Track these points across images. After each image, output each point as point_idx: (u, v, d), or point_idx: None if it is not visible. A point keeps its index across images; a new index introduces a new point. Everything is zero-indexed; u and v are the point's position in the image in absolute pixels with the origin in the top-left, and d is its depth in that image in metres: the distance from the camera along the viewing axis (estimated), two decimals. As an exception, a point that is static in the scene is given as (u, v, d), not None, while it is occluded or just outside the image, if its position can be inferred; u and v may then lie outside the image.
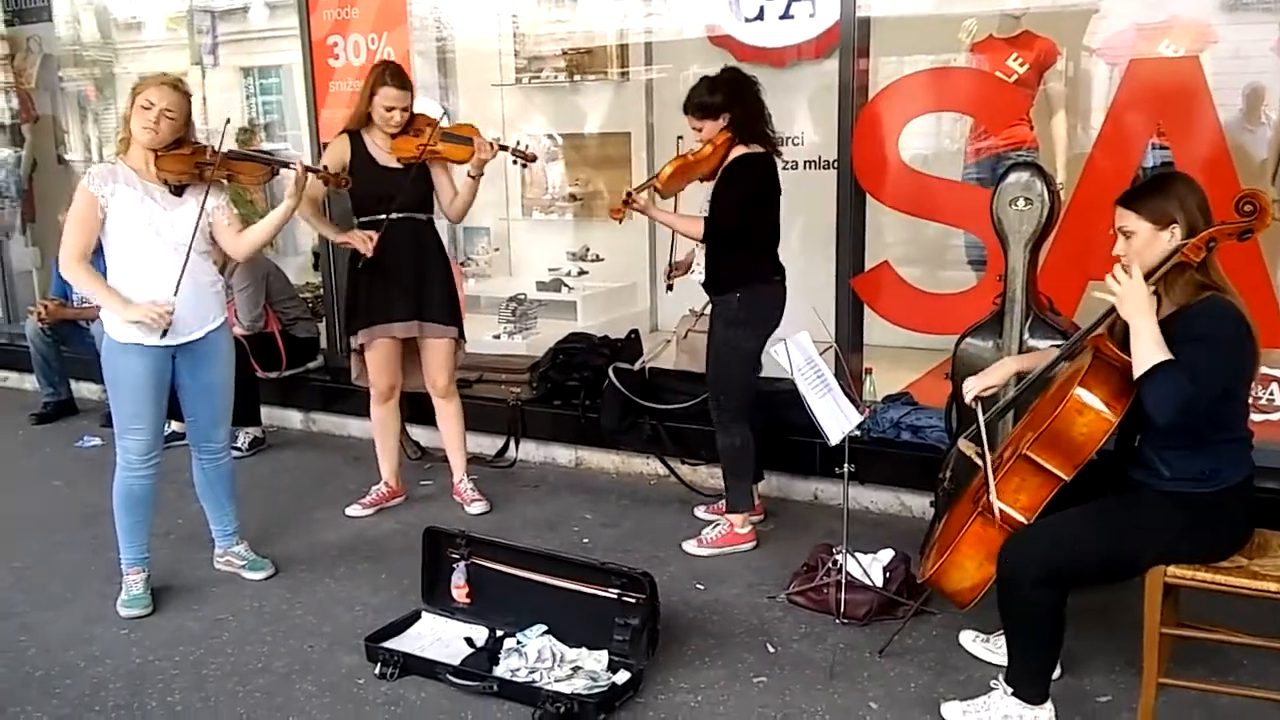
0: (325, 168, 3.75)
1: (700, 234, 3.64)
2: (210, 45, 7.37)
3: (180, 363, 3.43)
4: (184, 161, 3.34)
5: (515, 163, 4.09)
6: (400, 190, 3.96)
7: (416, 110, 4.07)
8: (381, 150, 4.00)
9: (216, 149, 3.36)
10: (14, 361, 6.59)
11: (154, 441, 3.44)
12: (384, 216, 3.97)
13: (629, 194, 3.71)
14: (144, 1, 7.42)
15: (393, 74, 3.98)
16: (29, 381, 6.28)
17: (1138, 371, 2.34)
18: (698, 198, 3.76)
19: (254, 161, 3.57)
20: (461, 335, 4.23)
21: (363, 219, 4.05)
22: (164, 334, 3.28)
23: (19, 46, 7.07)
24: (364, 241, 3.94)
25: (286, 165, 3.57)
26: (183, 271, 3.29)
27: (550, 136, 6.61)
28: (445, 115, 4.33)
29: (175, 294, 3.28)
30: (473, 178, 4.00)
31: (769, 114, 3.68)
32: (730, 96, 3.60)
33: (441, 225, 4.31)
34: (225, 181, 3.47)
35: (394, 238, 4.00)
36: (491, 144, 3.97)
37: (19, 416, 5.94)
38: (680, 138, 3.78)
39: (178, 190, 3.36)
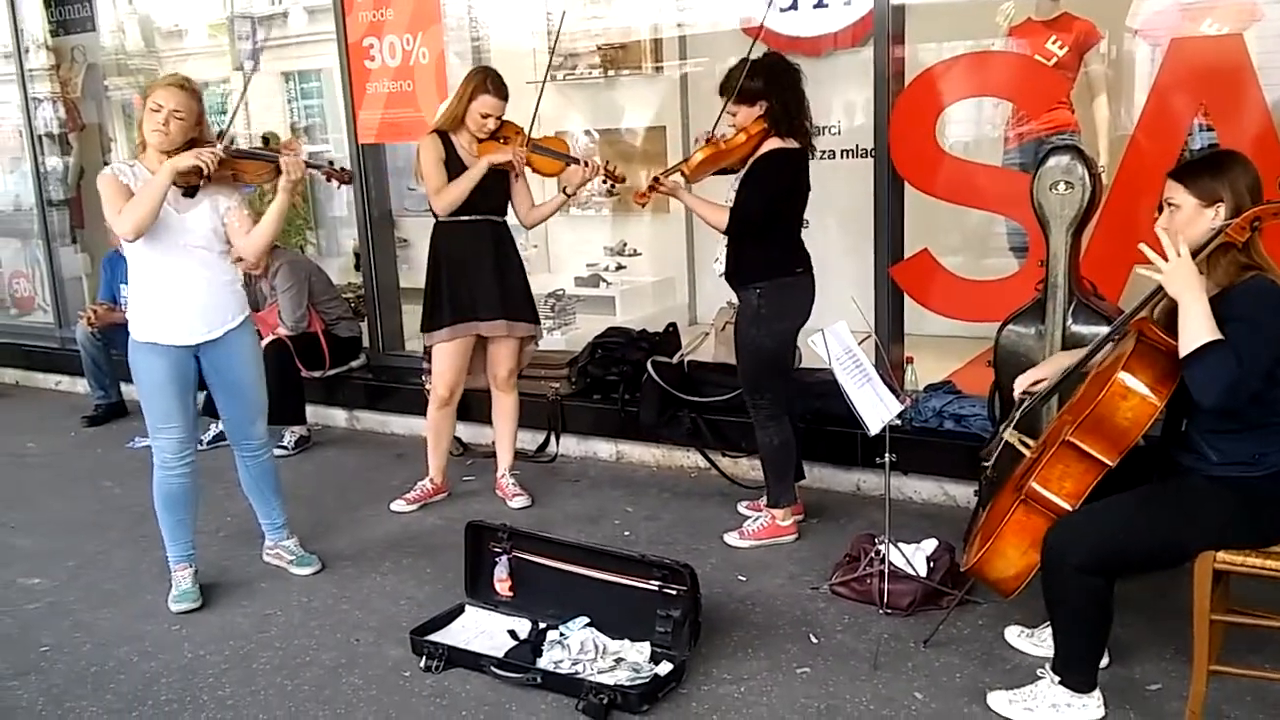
0: (331, 163, 3.80)
1: (723, 225, 3.59)
2: (251, 51, 7.46)
3: (205, 362, 3.49)
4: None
5: (604, 182, 4.15)
6: (483, 194, 4.02)
7: (508, 119, 4.12)
8: (468, 153, 4.05)
9: (224, 150, 3.40)
10: (66, 365, 6.72)
11: (186, 440, 3.49)
12: (467, 218, 4.05)
13: (656, 179, 3.66)
14: (186, 9, 7.53)
15: (494, 81, 4.03)
16: (80, 385, 6.41)
17: (1184, 350, 2.30)
18: (722, 184, 3.74)
19: (257, 160, 3.60)
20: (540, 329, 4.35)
21: (450, 219, 4.08)
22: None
23: (64, 56, 7.20)
24: (519, 161, 4.01)
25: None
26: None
27: (586, 133, 6.62)
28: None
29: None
30: (568, 194, 4.11)
31: (809, 105, 3.61)
32: (770, 84, 3.51)
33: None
34: (233, 180, 3.50)
35: (477, 238, 4.08)
36: (592, 164, 4.04)
37: (71, 419, 6.06)
38: (709, 133, 3.72)
39: (189, 192, 3.39)
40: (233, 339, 3.50)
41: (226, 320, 3.48)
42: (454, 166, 4.02)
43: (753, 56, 3.56)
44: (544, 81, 4.33)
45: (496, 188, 4.07)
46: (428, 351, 4.25)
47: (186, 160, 3.28)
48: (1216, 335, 2.27)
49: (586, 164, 4.05)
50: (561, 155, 4.13)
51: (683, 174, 3.63)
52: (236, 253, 3.57)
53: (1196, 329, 2.29)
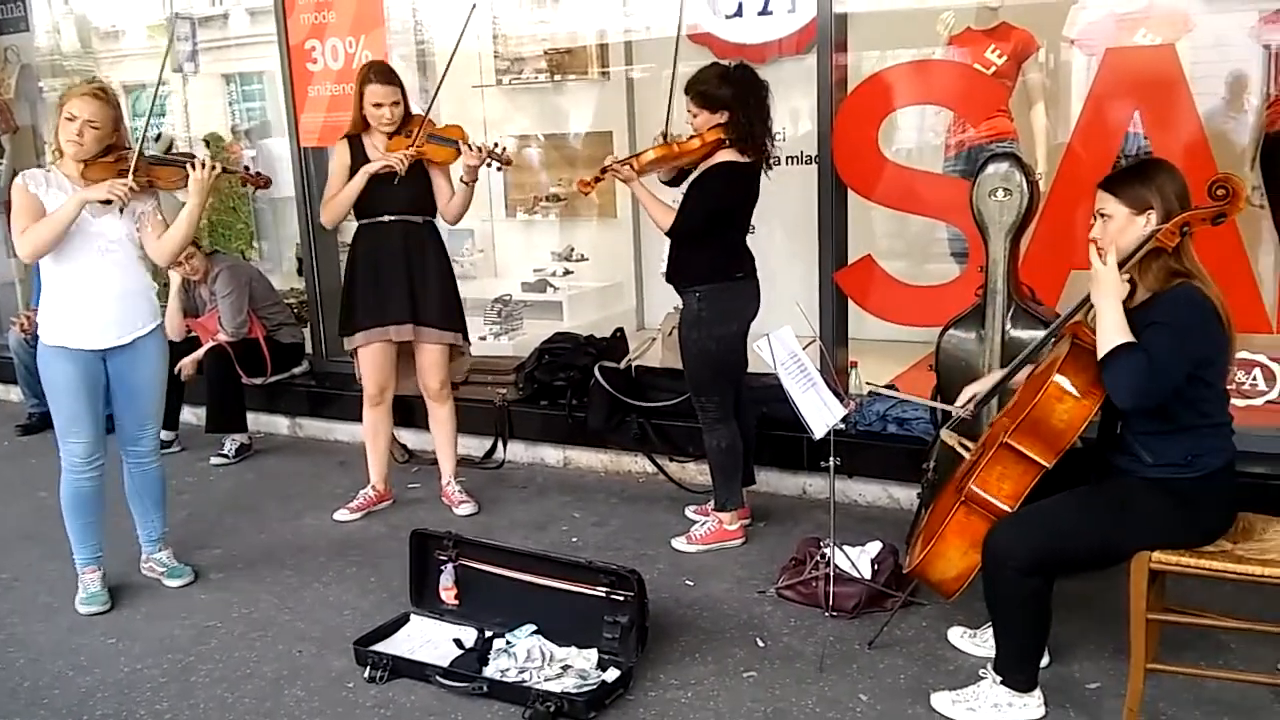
0: (247, 168, 3.74)
1: (666, 226, 3.59)
2: (190, 52, 7.33)
3: (110, 366, 3.44)
4: (109, 170, 3.37)
5: (490, 165, 4.06)
6: (390, 195, 3.96)
7: (417, 113, 4.07)
8: (378, 152, 4.00)
9: (139, 156, 3.37)
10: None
11: (95, 444, 3.45)
12: (382, 218, 3.99)
13: (606, 167, 3.63)
14: (123, 10, 7.38)
15: (377, 71, 4.01)
16: (14, 393, 6.26)
17: (1100, 353, 2.36)
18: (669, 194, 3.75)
19: (171, 166, 3.55)
20: (466, 338, 4.25)
21: (362, 221, 4.06)
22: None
23: (-3, 57, 7.03)
24: (400, 161, 3.91)
25: (201, 166, 3.49)
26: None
27: (533, 137, 6.61)
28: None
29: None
30: (466, 184, 4.01)
31: (772, 121, 3.61)
32: (737, 95, 3.51)
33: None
34: (148, 185, 3.45)
35: (388, 240, 4.01)
36: (479, 150, 3.94)
37: (4, 428, 5.91)
38: (664, 133, 3.73)
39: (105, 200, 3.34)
40: (141, 345, 3.47)
41: (138, 326, 3.45)
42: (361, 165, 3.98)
43: (725, 63, 3.59)
44: (444, 72, 4.24)
45: (409, 187, 3.98)
46: (353, 354, 4.22)
47: (98, 193, 3.27)
48: (1128, 338, 2.33)
49: (479, 151, 3.94)
50: (448, 140, 4.00)
51: (631, 166, 3.62)
52: (151, 257, 3.53)
53: (1109, 332, 2.36)
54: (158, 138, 6.96)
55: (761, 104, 3.57)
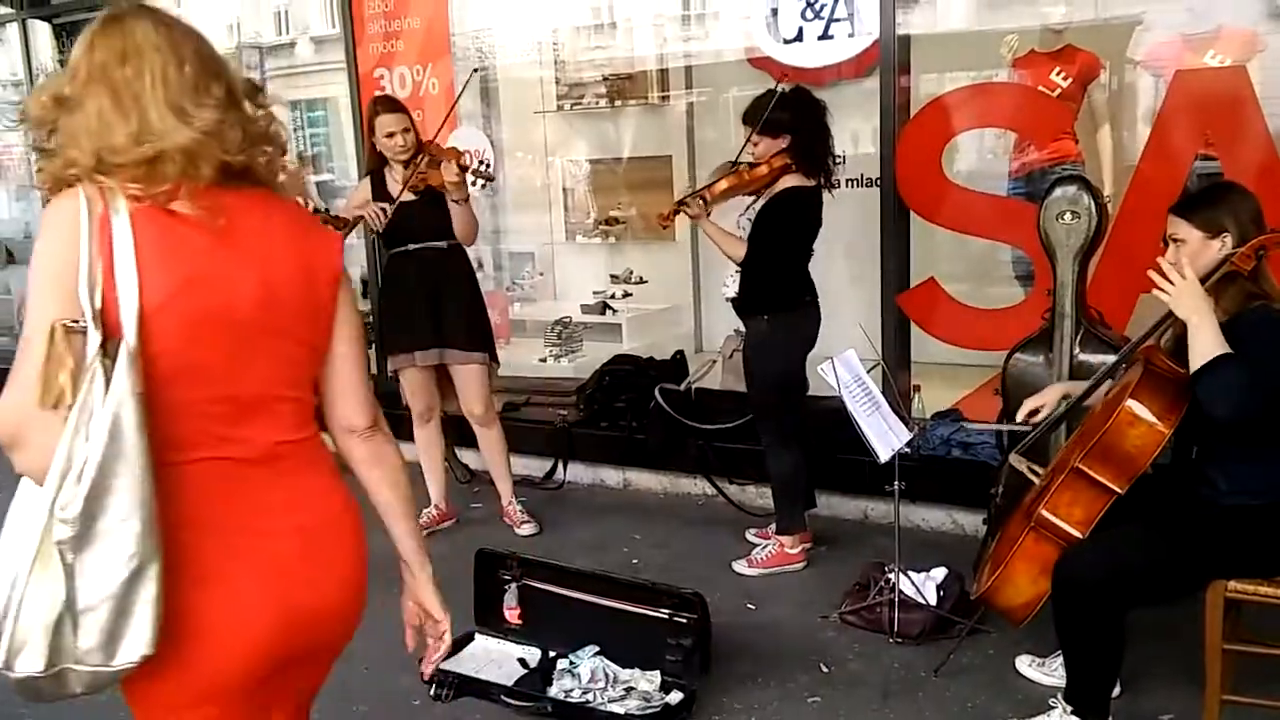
0: (327, 210, 3.81)
1: (740, 256, 3.61)
2: (259, 81, 7.53)
3: None
4: None
5: (474, 184, 4.07)
6: (413, 220, 4.04)
7: (448, 144, 4.16)
8: (397, 185, 4.08)
9: None
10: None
11: None
12: (407, 246, 4.08)
13: (682, 202, 3.68)
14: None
15: (383, 103, 4.12)
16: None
17: (1195, 365, 2.31)
18: (730, 211, 3.77)
19: None
20: (494, 359, 4.28)
21: (392, 250, 4.17)
22: None
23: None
24: (375, 216, 3.97)
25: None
26: None
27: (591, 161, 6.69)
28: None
29: None
30: (455, 202, 4.00)
31: (833, 140, 3.63)
32: (797, 118, 3.53)
33: (486, 251, 4.37)
34: None
35: (412, 267, 4.10)
36: (459, 164, 3.94)
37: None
38: (733, 163, 3.76)
39: None
40: None
41: None
42: (382, 200, 4.05)
43: (781, 88, 3.58)
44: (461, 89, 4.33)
45: (431, 215, 4.04)
46: (393, 377, 4.32)
47: None
48: (1226, 349, 2.29)
49: (457, 168, 3.91)
50: (439, 162, 3.97)
51: (703, 199, 3.66)
52: None
53: (1207, 345, 2.30)
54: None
55: (821, 125, 3.59)
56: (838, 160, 3.74)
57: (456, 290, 4.17)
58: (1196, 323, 2.33)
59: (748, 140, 3.61)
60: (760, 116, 3.55)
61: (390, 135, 4.01)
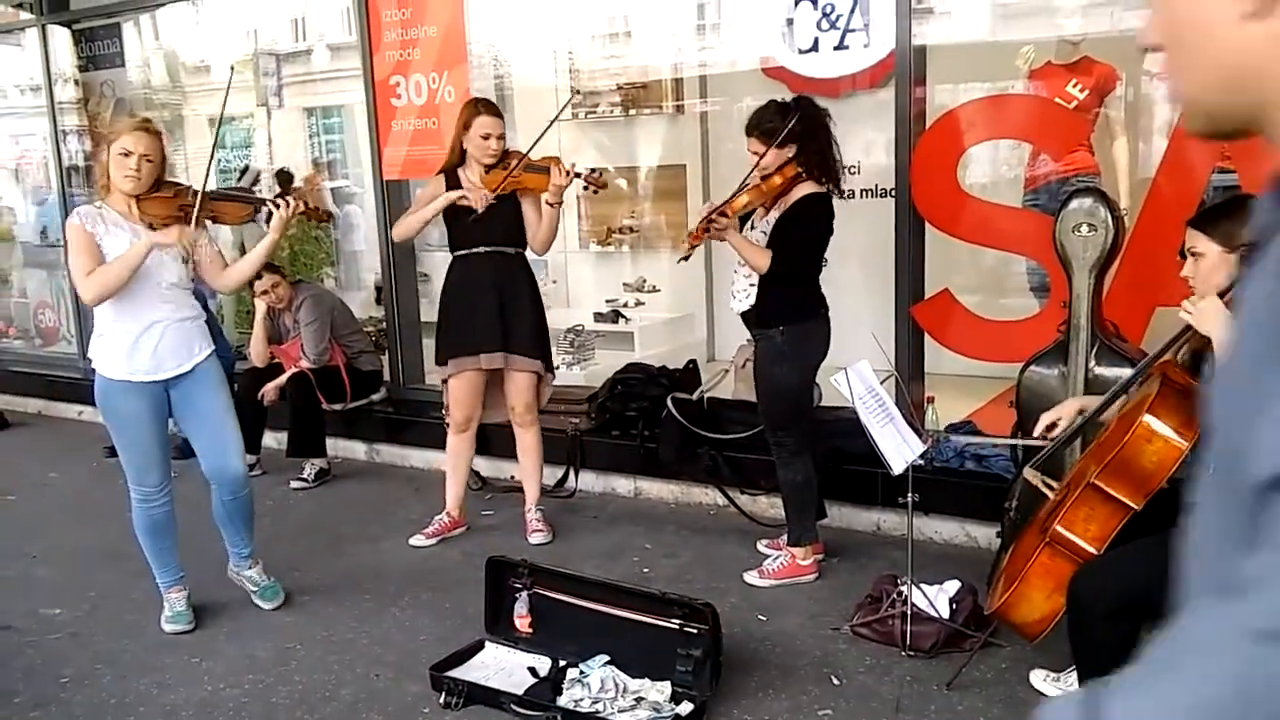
0: (309, 204, 3.76)
1: (764, 268, 3.59)
2: (275, 87, 7.56)
3: (174, 396, 3.52)
4: (168, 205, 3.44)
5: (587, 189, 4.14)
6: (488, 224, 4.06)
7: (515, 149, 4.18)
8: (472, 185, 4.10)
9: (198, 190, 3.45)
10: (88, 396, 6.70)
11: (165, 474, 3.56)
12: (476, 249, 4.10)
13: (710, 220, 3.62)
14: (211, 46, 7.65)
15: (486, 104, 4.16)
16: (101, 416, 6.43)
17: None
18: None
19: (236, 201, 3.65)
20: (550, 368, 4.33)
21: (457, 253, 4.18)
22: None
23: (93, 91, 7.31)
24: (482, 200, 4.00)
25: (264, 203, 3.62)
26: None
27: (607, 170, 6.69)
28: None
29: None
30: (550, 205, 4.07)
31: (839, 148, 3.63)
32: (803, 127, 3.53)
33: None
34: (210, 222, 3.56)
35: (481, 270, 4.12)
36: (567, 170, 4.01)
37: (93, 449, 6.09)
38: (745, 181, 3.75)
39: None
40: (201, 371, 3.54)
41: (195, 352, 3.52)
42: (458, 204, 4.08)
43: (782, 99, 3.60)
44: (561, 108, 4.33)
45: (500, 220, 4.08)
46: (445, 382, 4.30)
47: (167, 239, 3.36)
48: None
49: (566, 172, 3.97)
50: (542, 168, 4.04)
51: (724, 215, 3.64)
52: (214, 288, 3.66)
53: None
54: (245, 170, 7.19)
55: (826, 129, 3.59)
56: (849, 169, 3.74)
57: (524, 296, 4.21)
58: (1220, 337, 2.32)
59: (761, 157, 3.58)
60: (764, 126, 3.57)
61: (487, 136, 4.05)
